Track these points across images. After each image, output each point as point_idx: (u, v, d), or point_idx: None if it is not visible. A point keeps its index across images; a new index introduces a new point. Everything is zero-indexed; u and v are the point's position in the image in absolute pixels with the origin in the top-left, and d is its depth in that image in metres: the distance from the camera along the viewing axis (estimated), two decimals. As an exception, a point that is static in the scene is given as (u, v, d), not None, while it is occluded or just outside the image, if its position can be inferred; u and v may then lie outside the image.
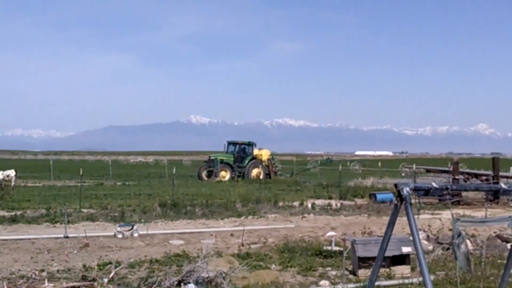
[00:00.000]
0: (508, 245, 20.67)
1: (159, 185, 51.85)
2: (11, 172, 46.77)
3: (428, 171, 60.55)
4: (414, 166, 54.95)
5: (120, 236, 23.66)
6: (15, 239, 22.96)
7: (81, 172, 39.84)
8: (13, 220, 28.20)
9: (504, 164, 72.44)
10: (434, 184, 8.07)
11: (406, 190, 7.74)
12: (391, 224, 8.15)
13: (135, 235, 23.89)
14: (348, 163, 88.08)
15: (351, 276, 16.70)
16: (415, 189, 7.89)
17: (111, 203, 35.23)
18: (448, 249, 20.45)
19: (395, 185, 7.92)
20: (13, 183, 44.58)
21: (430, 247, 20.64)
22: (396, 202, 8.04)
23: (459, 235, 8.24)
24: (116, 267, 15.82)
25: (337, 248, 20.02)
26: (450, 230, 23.21)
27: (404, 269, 17.06)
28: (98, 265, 16.66)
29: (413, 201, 7.84)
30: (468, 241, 17.01)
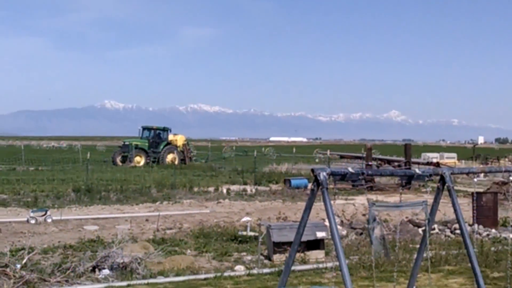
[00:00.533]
0: (420, 230, 21.16)
1: (73, 170, 51.18)
2: None
3: (342, 157, 61.51)
4: (328, 152, 55.64)
5: (33, 221, 23.32)
6: None
7: (-8, 156, 39.09)
8: None
9: (415, 151, 73.93)
10: (350, 169, 8.17)
11: (322, 175, 7.81)
12: (308, 209, 8.22)
13: (49, 220, 23.59)
14: (263, 149, 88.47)
15: (266, 261, 16.82)
16: (332, 174, 7.97)
17: (24, 188, 34.71)
18: (361, 234, 20.81)
19: (312, 170, 7.99)
20: None
21: (344, 232, 20.93)
22: (312, 187, 8.11)
23: (374, 219, 8.36)
24: (29, 253, 15.58)
25: (252, 234, 20.13)
26: (363, 215, 23.67)
27: (318, 254, 17.29)
28: (11, 251, 16.35)
29: (329, 186, 7.92)
30: (381, 226, 17.37)
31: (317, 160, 71.75)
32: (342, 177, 8.13)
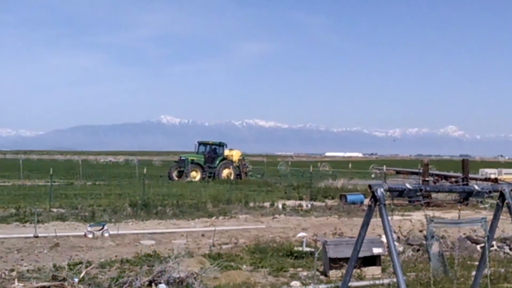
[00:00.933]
0: (478, 247, 20.83)
1: (130, 185, 51.57)
2: None
3: (398, 172, 60.84)
4: (384, 167, 55.25)
5: (90, 236, 23.55)
6: (-15, 239, 22.80)
7: (51, 171, 39.57)
8: (-18, 219, 27.99)
9: (473, 166, 72.98)
10: (408, 185, 8.10)
11: (380, 191, 7.76)
12: (365, 225, 8.17)
13: (106, 235, 23.80)
14: (319, 164, 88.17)
15: (322, 277, 16.73)
16: (389, 190, 7.91)
17: (81, 203, 35.03)
18: (418, 250, 20.55)
19: (369, 186, 7.94)
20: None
21: (401, 248, 20.70)
22: (370, 203, 8.06)
23: (432, 236, 8.27)
24: (86, 267, 15.73)
25: (308, 249, 20.04)
26: (420, 231, 23.38)
27: (375, 270, 17.13)
28: (69, 265, 16.55)
29: (386, 202, 7.86)
30: (439, 243, 17.14)
31: (373, 176, 71.24)
32: (400, 193, 8.08)
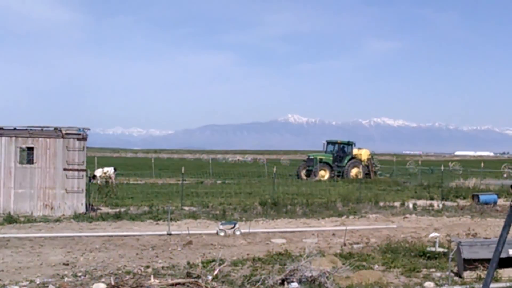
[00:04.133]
0: None
1: (259, 184, 51.97)
2: (110, 169, 47.72)
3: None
4: (517, 167, 53.78)
5: (222, 234, 23.84)
6: (121, 236, 23.41)
7: (182, 170, 40.26)
8: (118, 216, 28.75)
9: None
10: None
11: (523, 191, 7.54)
12: (507, 225, 7.96)
13: (237, 233, 24.03)
14: (450, 163, 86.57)
15: (456, 278, 16.40)
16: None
17: (212, 201, 35.57)
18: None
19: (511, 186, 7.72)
20: (112, 180, 45.37)
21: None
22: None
23: None
24: (219, 264, 15.93)
25: (441, 250, 19.72)
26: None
27: (511, 272, 16.69)
28: (202, 263, 16.81)
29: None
30: None
31: (505, 176, 69.58)
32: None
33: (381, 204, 35.75)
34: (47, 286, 14.73)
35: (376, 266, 18.04)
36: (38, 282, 15.26)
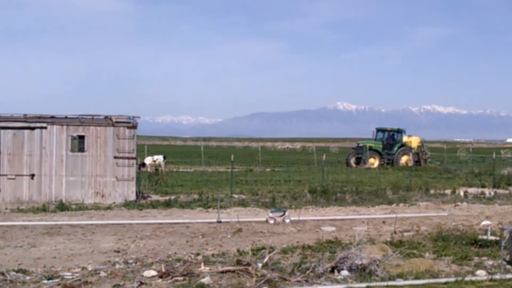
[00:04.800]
0: None
1: (308, 172, 51.85)
2: (160, 157, 48.01)
3: None
4: None
5: (272, 221, 23.85)
6: (171, 223, 23.56)
7: (232, 158, 40.34)
8: (168, 204, 28.93)
9: None
10: None
11: None
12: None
13: (287, 221, 24.02)
14: (502, 151, 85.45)
15: (508, 267, 16.19)
16: None
17: (261, 189, 35.61)
18: None
19: None
20: (162, 168, 45.64)
21: None
22: None
23: None
24: (269, 252, 15.94)
25: (493, 238, 19.51)
26: None
27: None
28: (252, 250, 16.85)
29: None
30: None
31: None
32: None
33: (432, 192, 35.45)
34: (99, 273, 14.87)
35: (427, 254, 17.91)
36: (90, 269, 15.42)
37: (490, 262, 16.75)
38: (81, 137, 30.37)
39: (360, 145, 66.10)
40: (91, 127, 30.36)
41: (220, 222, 23.68)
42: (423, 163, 64.67)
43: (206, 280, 13.93)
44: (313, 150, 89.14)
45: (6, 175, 29.75)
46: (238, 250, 17.80)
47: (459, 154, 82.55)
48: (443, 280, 14.41)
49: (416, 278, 14.63)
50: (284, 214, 24.43)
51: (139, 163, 35.06)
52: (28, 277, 14.58)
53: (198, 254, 17.38)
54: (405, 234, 21.63)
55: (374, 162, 62.91)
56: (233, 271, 14.71)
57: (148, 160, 47.21)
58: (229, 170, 41.64)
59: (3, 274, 14.41)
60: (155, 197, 32.05)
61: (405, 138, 66.76)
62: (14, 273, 14.77)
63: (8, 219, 24.35)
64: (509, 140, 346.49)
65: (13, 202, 29.07)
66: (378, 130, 68.43)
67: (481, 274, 15.27)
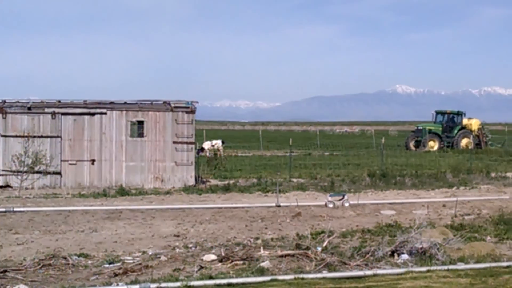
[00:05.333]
0: None
1: (367, 155, 51.58)
2: (218, 142, 48.20)
3: None
4: None
5: (331, 205, 23.78)
6: (230, 207, 23.66)
7: (290, 142, 40.32)
8: (227, 189, 29.05)
9: None
10: None
11: None
12: None
13: (346, 205, 23.94)
14: None
15: None
16: None
17: (320, 173, 35.52)
18: None
19: None
20: (221, 153, 45.80)
21: None
22: None
23: None
24: (329, 236, 15.91)
25: (556, 220, 19.22)
26: None
27: None
28: (311, 234, 16.82)
29: None
30: None
31: None
32: None
33: (493, 175, 34.97)
34: (159, 257, 15.00)
35: (488, 237, 17.73)
36: (150, 253, 15.58)
37: (553, 246, 16.52)
38: (140, 122, 30.66)
39: (419, 128, 65.50)
40: (150, 113, 30.63)
41: (279, 206, 23.69)
42: (484, 146, 63.80)
43: (265, 264, 13.96)
44: (371, 133, 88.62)
45: (68, 160, 30.23)
46: (297, 234, 17.80)
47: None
48: (505, 264, 14.25)
49: (478, 262, 14.48)
50: (343, 198, 24.36)
51: (197, 148, 35.24)
52: (90, 261, 14.79)
53: (257, 238, 17.45)
54: (466, 217, 21.42)
55: (433, 145, 62.29)
56: (293, 255, 14.73)
57: (206, 145, 47.45)
58: (288, 154, 41.57)
59: (65, 258, 14.62)
60: (214, 182, 32.20)
61: (465, 121, 65.90)
62: (76, 257, 14.99)
63: (69, 204, 24.67)
64: None
65: (74, 187, 29.52)
66: (437, 112, 67.68)
67: (544, 258, 15.07)
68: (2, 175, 29.85)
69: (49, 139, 30.15)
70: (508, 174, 35.55)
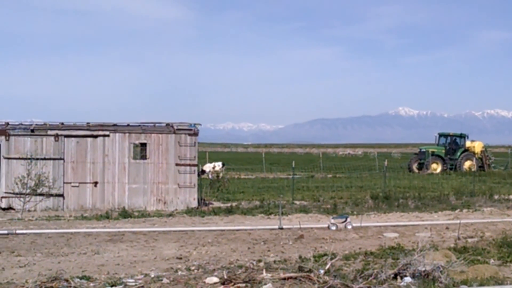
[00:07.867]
0: None
1: (370, 177, 51.60)
2: (218, 164, 48.28)
3: None
4: None
5: (334, 228, 23.73)
6: (232, 230, 23.61)
7: (293, 164, 40.36)
8: (229, 211, 29.03)
9: None
10: None
11: None
12: None
13: (349, 227, 23.89)
14: None
15: None
16: None
17: (323, 195, 35.51)
18: None
19: None
20: (221, 175, 45.83)
21: None
22: None
23: None
24: (331, 258, 15.83)
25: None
26: None
27: None
28: (314, 257, 16.75)
29: None
30: None
31: None
32: None
33: (496, 197, 34.96)
34: (161, 280, 14.96)
35: (492, 260, 17.66)
36: (152, 276, 15.52)
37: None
38: (143, 145, 30.71)
39: (422, 150, 65.66)
40: (153, 135, 30.67)
41: (281, 228, 23.64)
42: (487, 168, 63.93)
43: (268, 286, 13.91)
44: (374, 156, 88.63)
45: (70, 182, 30.24)
46: (300, 257, 17.75)
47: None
48: (509, 287, 14.20)
49: (481, 285, 14.42)
50: (346, 220, 24.31)
51: (198, 170, 35.33)
52: (92, 284, 14.75)
53: (260, 261, 17.38)
54: (469, 240, 21.34)
55: (436, 167, 62.39)
56: (295, 278, 14.66)
57: (207, 167, 47.50)
58: (290, 176, 41.63)
59: (67, 280, 14.57)
60: (216, 204, 32.21)
61: (468, 143, 66.09)
62: (78, 279, 14.94)
63: (72, 226, 24.66)
64: None
65: (76, 210, 29.51)
66: (440, 135, 67.84)
67: (545, 280, 15.02)
68: (5, 197, 29.86)
69: (52, 161, 30.17)
70: (511, 196, 35.51)
